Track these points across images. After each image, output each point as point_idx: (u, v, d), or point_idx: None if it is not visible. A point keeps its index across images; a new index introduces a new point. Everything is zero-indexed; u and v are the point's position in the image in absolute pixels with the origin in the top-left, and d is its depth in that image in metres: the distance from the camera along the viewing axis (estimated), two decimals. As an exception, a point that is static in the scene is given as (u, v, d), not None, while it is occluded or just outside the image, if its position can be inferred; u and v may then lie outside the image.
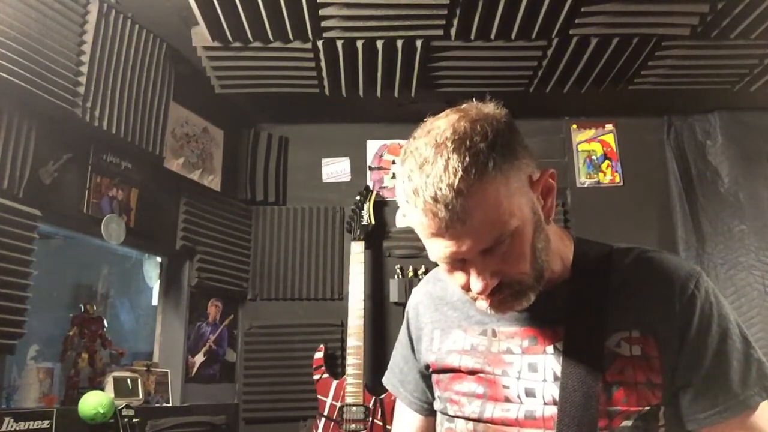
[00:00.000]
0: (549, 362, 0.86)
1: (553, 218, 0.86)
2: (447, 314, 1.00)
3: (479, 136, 0.75)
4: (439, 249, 0.78)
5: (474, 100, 0.84)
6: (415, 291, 1.11)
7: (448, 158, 0.73)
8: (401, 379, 1.10)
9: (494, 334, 0.92)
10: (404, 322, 1.11)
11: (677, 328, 0.83)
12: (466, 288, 0.83)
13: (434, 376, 1.01)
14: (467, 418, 0.92)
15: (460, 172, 0.72)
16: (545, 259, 0.84)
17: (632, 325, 0.85)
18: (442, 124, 0.78)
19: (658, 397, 0.82)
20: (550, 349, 0.87)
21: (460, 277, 0.82)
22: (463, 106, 0.83)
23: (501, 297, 0.82)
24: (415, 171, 0.75)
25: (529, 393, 0.86)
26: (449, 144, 0.74)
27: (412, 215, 0.77)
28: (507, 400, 0.88)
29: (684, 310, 0.84)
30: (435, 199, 0.73)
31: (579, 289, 0.89)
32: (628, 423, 0.81)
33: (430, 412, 1.06)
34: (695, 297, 0.84)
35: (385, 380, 1.14)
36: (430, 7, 2.26)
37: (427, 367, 1.02)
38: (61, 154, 2.15)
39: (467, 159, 0.73)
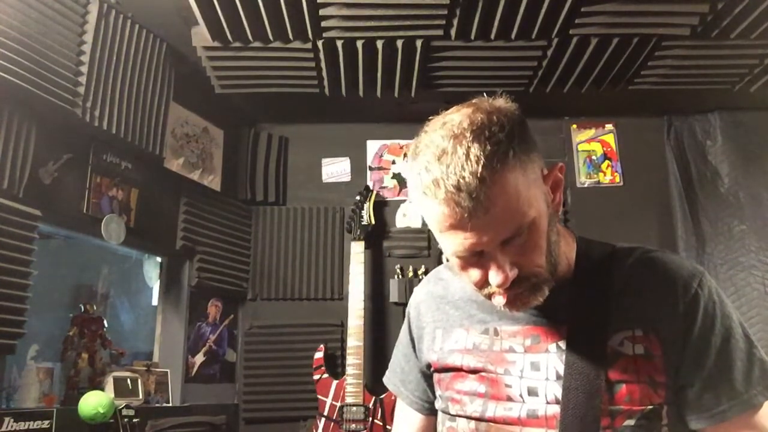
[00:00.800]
0: (551, 361, 0.86)
1: (559, 212, 0.86)
2: (449, 313, 1.00)
3: (497, 126, 0.75)
4: (457, 242, 0.77)
5: (485, 94, 0.84)
6: (417, 290, 1.11)
7: (469, 147, 0.73)
8: (402, 379, 1.10)
9: (496, 332, 0.92)
10: (405, 321, 1.11)
11: (680, 328, 0.84)
12: (481, 284, 0.82)
13: (436, 375, 1.01)
14: (469, 417, 0.91)
15: (482, 160, 0.72)
16: (558, 253, 0.84)
17: (635, 324, 0.85)
18: (457, 117, 0.78)
19: (661, 396, 0.82)
20: (552, 347, 0.87)
21: (474, 273, 0.82)
22: (474, 100, 0.83)
23: (518, 291, 0.82)
24: (433, 162, 0.74)
25: (532, 392, 0.86)
26: (468, 134, 0.74)
27: (430, 208, 0.76)
28: (509, 399, 0.88)
29: (687, 309, 0.84)
30: (458, 188, 0.72)
31: (582, 288, 0.89)
32: (630, 422, 0.81)
33: (431, 412, 1.06)
34: (698, 296, 0.84)
35: (386, 380, 1.14)
36: (430, 7, 2.26)
37: (429, 366, 1.02)
38: (61, 154, 2.15)
39: (488, 147, 0.73)
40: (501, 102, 0.82)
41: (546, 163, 0.83)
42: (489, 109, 0.78)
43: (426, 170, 0.75)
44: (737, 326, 0.85)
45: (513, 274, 0.79)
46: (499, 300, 0.83)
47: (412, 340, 1.07)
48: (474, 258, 0.80)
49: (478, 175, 0.71)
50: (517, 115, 0.79)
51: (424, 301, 1.06)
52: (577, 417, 0.81)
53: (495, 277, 0.79)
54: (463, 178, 0.72)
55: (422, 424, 1.08)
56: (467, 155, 0.72)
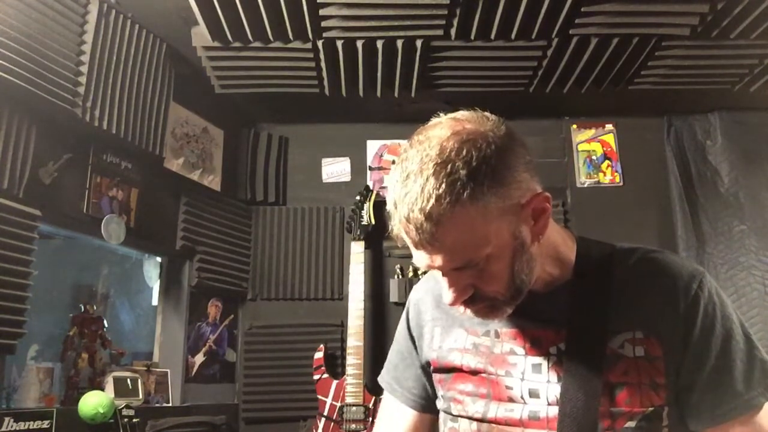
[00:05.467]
0: (552, 363, 0.86)
1: (542, 237, 0.84)
2: (449, 312, 1.00)
3: (462, 161, 0.74)
4: (414, 257, 0.81)
5: (476, 108, 0.83)
6: (416, 288, 1.11)
7: (426, 181, 0.74)
8: (396, 376, 1.09)
9: (497, 335, 0.92)
10: (403, 318, 1.10)
11: (681, 329, 0.83)
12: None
13: (436, 376, 1.01)
14: (471, 418, 0.92)
15: (432, 200, 0.73)
16: (525, 279, 0.83)
17: (635, 326, 0.85)
18: (433, 139, 0.77)
19: (662, 398, 0.82)
20: (553, 350, 0.87)
21: (442, 279, 0.84)
22: (463, 115, 0.82)
23: (475, 308, 0.84)
24: (399, 183, 0.77)
25: (533, 393, 0.86)
26: (431, 166, 0.74)
27: (393, 224, 0.80)
28: (510, 400, 0.88)
29: (687, 310, 0.84)
30: (407, 219, 0.75)
31: (581, 290, 0.89)
32: (631, 424, 0.81)
33: (427, 409, 1.05)
34: (699, 297, 0.84)
35: (381, 378, 1.13)
36: (430, 7, 2.26)
37: (428, 364, 1.02)
38: (61, 154, 2.15)
39: (443, 187, 0.73)
40: (489, 125, 0.80)
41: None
42: (465, 137, 0.76)
43: (393, 188, 0.78)
44: (738, 327, 0.85)
45: (464, 295, 0.82)
46: (461, 309, 0.85)
47: (411, 337, 1.07)
48: (431, 269, 0.82)
49: (426, 212, 0.73)
50: (495, 147, 0.76)
51: (423, 299, 1.06)
52: (575, 419, 0.82)
53: (446, 295, 0.82)
54: (413, 211, 0.74)
55: (416, 421, 1.06)
56: (422, 189, 0.73)
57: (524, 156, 0.80)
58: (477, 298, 0.82)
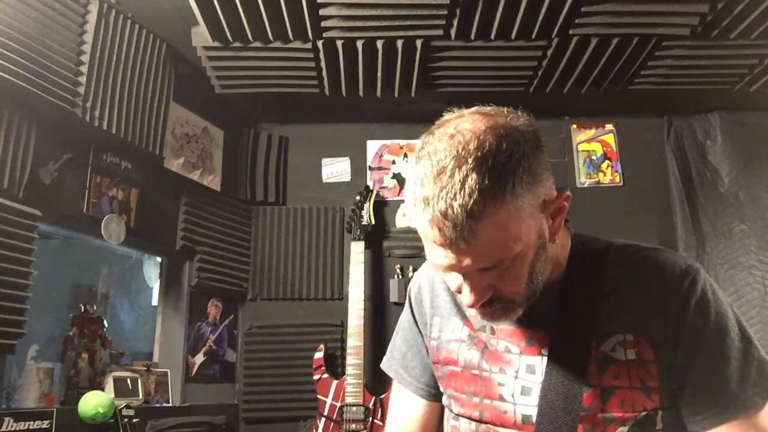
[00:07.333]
0: (546, 364, 0.85)
1: (557, 236, 0.83)
2: (447, 300, 1.00)
3: (503, 156, 0.71)
4: (438, 257, 0.76)
5: (492, 104, 0.81)
6: (417, 275, 1.09)
7: (467, 175, 0.69)
8: (404, 365, 1.07)
9: (492, 331, 0.92)
10: (407, 305, 1.09)
11: (671, 328, 0.81)
12: (458, 291, 0.82)
13: (435, 369, 1.00)
14: (470, 418, 0.92)
15: (475, 195, 0.69)
16: (541, 280, 0.82)
17: (626, 329, 0.83)
18: (467, 132, 0.73)
19: (655, 401, 0.81)
20: (545, 350, 0.86)
21: (453, 281, 0.81)
22: (490, 110, 0.79)
23: (491, 310, 0.81)
24: (430, 178, 0.71)
25: (525, 392, 0.86)
26: (470, 160, 0.70)
27: (418, 221, 0.75)
28: (501, 398, 0.88)
29: (677, 308, 0.81)
30: (444, 216, 0.70)
31: (570, 290, 0.87)
32: (623, 429, 0.80)
33: (435, 398, 1.04)
34: (689, 295, 0.81)
35: (386, 366, 1.11)
36: (430, 7, 2.26)
37: (428, 352, 1.02)
38: (61, 154, 2.15)
39: (486, 182, 0.69)
40: (521, 121, 0.77)
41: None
42: (502, 132, 0.73)
43: (421, 183, 0.73)
44: (733, 325, 0.82)
45: (484, 297, 0.79)
46: (472, 311, 0.84)
47: (416, 324, 1.05)
48: (454, 270, 0.79)
49: (467, 208, 0.69)
50: (531, 143, 0.74)
51: (425, 287, 1.05)
52: (552, 422, 0.81)
53: (466, 297, 0.79)
54: (452, 207, 0.69)
55: (426, 410, 1.05)
56: (462, 184, 0.69)
57: (546, 154, 0.79)
58: (494, 299, 0.80)
